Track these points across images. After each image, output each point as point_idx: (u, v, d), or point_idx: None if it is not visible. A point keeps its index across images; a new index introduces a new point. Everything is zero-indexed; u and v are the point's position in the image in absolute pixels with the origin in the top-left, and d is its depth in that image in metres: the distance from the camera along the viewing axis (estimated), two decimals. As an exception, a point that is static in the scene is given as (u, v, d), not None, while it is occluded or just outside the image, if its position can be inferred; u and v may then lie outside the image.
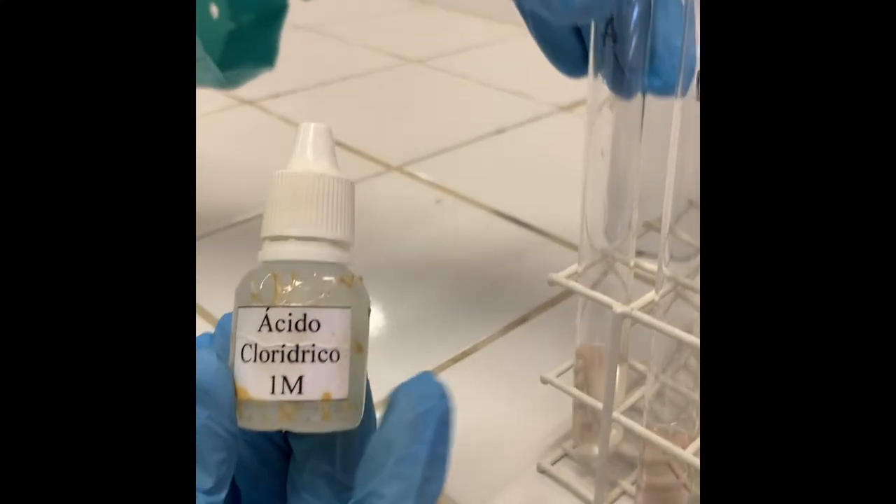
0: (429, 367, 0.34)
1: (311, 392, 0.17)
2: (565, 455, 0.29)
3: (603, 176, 0.25)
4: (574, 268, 0.26)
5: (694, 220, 0.23)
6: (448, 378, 0.33)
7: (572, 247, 0.43)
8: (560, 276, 0.25)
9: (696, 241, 0.23)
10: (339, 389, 0.17)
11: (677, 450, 0.23)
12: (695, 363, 0.25)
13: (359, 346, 0.18)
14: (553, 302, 0.38)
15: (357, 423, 0.18)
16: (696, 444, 0.24)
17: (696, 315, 0.24)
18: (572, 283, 0.25)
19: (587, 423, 0.26)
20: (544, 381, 0.26)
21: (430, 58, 0.73)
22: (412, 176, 0.51)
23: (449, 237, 0.44)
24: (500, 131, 0.58)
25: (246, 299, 0.18)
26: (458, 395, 0.32)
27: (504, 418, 0.31)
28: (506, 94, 0.65)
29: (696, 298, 0.24)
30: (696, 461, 0.23)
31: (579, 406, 0.27)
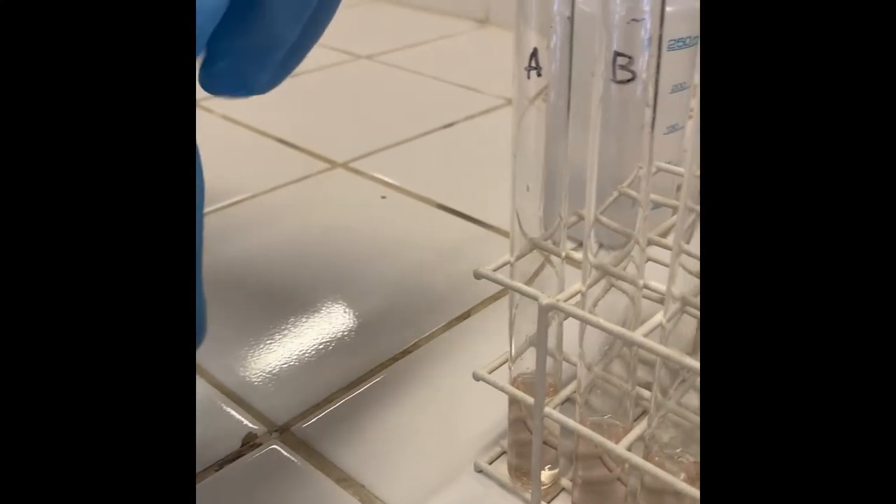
0: (369, 367, 0.33)
1: None
2: (504, 453, 0.28)
3: (532, 165, 0.24)
4: (505, 259, 0.25)
5: (625, 207, 0.23)
6: (386, 378, 0.33)
7: (518, 240, 0.42)
8: (486, 269, 0.24)
9: (627, 229, 0.23)
10: None
11: (609, 444, 0.22)
12: (628, 353, 0.24)
13: None
14: (497, 296, 0.37)
15: None
16: (631, 436, 0.23)
17: (630, 304, 0.23)
18: (498, 276, 0.24)
19: (520, 418, 0.25)
20: (476, 378, 0.26)
21: (380, 53, 0.72)
22: (358, 172, 0.50)
23: (394, 233, 0.43)
24: (448, 125, 0.57)
25: None
26: (397, 396, 0.32)
27: (442, 417, 0.30)
28: (455, 89, 0.64)
29: (629, 288, 0.23)
30: (628, 455, 0.22)
31: (513, 401, 0.26)
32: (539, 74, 0.22)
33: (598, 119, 0.21)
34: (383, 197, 0.47)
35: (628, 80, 0.20)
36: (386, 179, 0.49)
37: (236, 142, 0.55)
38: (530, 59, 0.22)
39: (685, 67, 0.39)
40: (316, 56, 0.81)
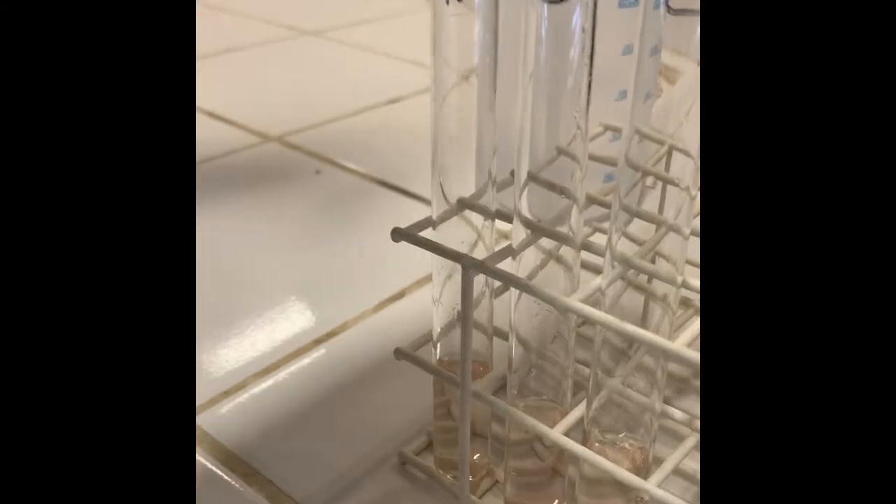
0: (288, 350, 0.30)
1: None
2: (432, 442, 0.25)
3: (455, 111, 0.21)
4: (426, 218, 0.22)
5: (564, 170, 0.20)
6: (307, 362, 0.29)
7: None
8: (405, 229, 0.21)
9: (566, 186, 0.20)
10: None
11: (542, 427, 0.19)
12: (566, 330, 0.21)
13: None
14: (435, 274, 0.34)
15: None
16: (569, 419, 0.20)
17: (577, 274, 0.20)
18: (418, 236, 0.21)
19: (445, 402, 0.22)
20: (398, 356, 0.22)
21: (327, 30, 0.69)
22: (292, 146, 0.46)
23: (327, 208, 0.40)
24: (393, 101, 0.53)
25: None
26: (317, 382, 0.28)
27: (366, 403, 0.27)
28: (404, 64, 0.61)
29: (567, 255, 0.20)
30: (565, 440, 0.19)
31: (438, 384, 0.23)
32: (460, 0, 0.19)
33: (530, 53, 0.18)
34: (318, 171, 0.43)
35: (561, 0, 0.17)
36: (322, 154, 0.45)
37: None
38: None
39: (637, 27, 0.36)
40: (257, 31, 0.77)
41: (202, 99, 0.52)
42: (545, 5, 0.18)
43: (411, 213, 0.40)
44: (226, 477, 0.24)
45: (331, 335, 0.31)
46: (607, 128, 0.27)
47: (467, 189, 0.22)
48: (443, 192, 0.21)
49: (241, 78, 0.58)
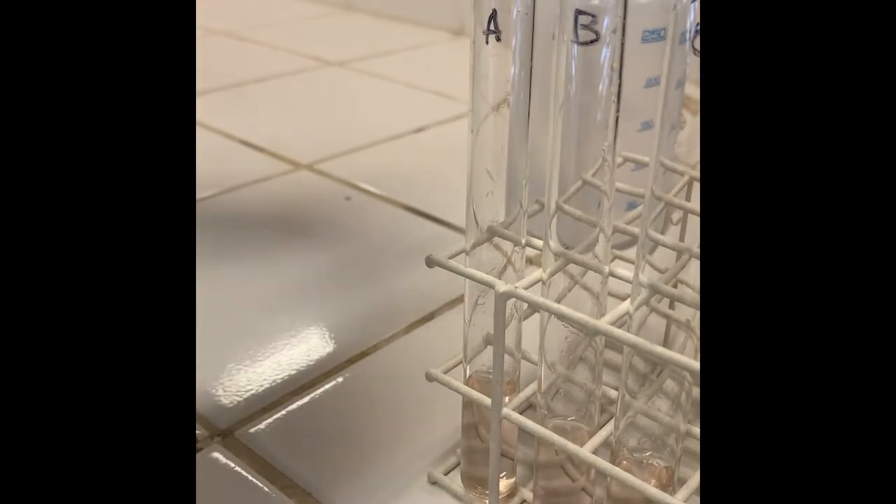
0: (324, 369, 0.31)
1: None
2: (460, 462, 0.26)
3: (492, 144, 0.22)
4: (460, 247, 0.23)
5: (590, 197, 0.21)
6: (342, 381, 0.31)
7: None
8: (439, 256, 0.22)
9: (590, 217, 0.21)
10: None
11: (572, 447, 0.20)
12: (592, 353, 0.22)
13: None
14: (462, 299, 0.35)
15: None
16: (597, 438, 0.21)
17: (604, 300, 0.21)
18: (451, 263, 0.22)
19: (473, 423, 0.23)
20: (429, 379, 0.23)
21: (352, 60, 0.71)
22: (322, 174, 0.48)
23: (357, 233, 0.41)
24: (419, 130, 0.55)
25: None
26: (351, 400, 0.30)
27: (398, 422, 0.28)
28: (428, 95, 0.62)
29: (593, 282, 0.21)
30: (594, 459, 0.20)
31: (467, 405, 0.24)
32: (498, 39, 0.20)
33: (560, 89, 0.20)
34: (347, 198, 0.45)
35: (591, 42, 0.18)
36: (351, 181, 0.47)
37: (197, 144, 0.53)
38: (489, 22, 0.20)
39: (660, 61, 0.37)
40: (284, 61, 0.79)
41: (236, 128, 0.54)
42: (576, 46, 0.19)
43: (437, 237, 0.41)
44: (266, 488, 0.25)
45: (363, 355, 0.32)
46: (627, 159, 0.28)
47: (498, 217, 0.23)
48: (476, 219, 0.22)
49: (272, 107, 0.60)
